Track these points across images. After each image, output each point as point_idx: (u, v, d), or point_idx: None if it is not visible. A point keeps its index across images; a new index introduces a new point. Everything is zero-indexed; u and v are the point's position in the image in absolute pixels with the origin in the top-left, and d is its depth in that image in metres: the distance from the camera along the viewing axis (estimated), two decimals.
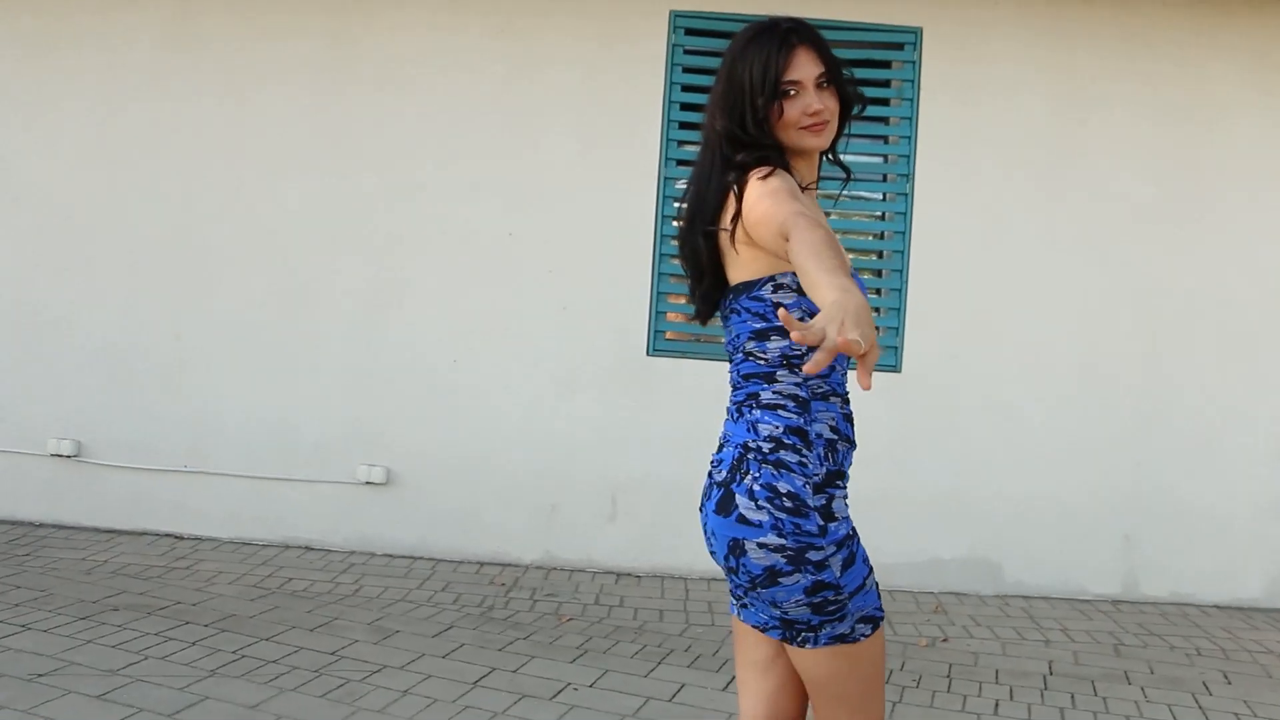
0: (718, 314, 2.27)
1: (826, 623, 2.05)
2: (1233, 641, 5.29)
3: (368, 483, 5.92)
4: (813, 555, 2.02)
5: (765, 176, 2.04)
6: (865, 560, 2.10)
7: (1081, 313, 5.91)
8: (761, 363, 2.12)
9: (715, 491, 2.12)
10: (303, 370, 5.94)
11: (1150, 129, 5.92)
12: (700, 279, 2.21)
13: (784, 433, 2.08)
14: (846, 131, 2.24)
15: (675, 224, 2.30)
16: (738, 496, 2.07)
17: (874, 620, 2.10)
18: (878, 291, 6.02)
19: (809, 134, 2.14)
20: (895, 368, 5.90)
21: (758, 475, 2.05)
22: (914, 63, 5.91)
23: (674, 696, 4.17)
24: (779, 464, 2.06)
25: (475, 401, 5.91)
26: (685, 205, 2.23)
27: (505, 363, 5.91)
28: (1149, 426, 5.92)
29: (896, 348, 5.91)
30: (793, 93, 2.10)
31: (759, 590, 2.05)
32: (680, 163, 5.96)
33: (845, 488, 2.15)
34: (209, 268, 5.96)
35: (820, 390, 2.13)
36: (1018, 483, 5.87)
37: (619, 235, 5.90)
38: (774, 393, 2.11)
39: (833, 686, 2.11)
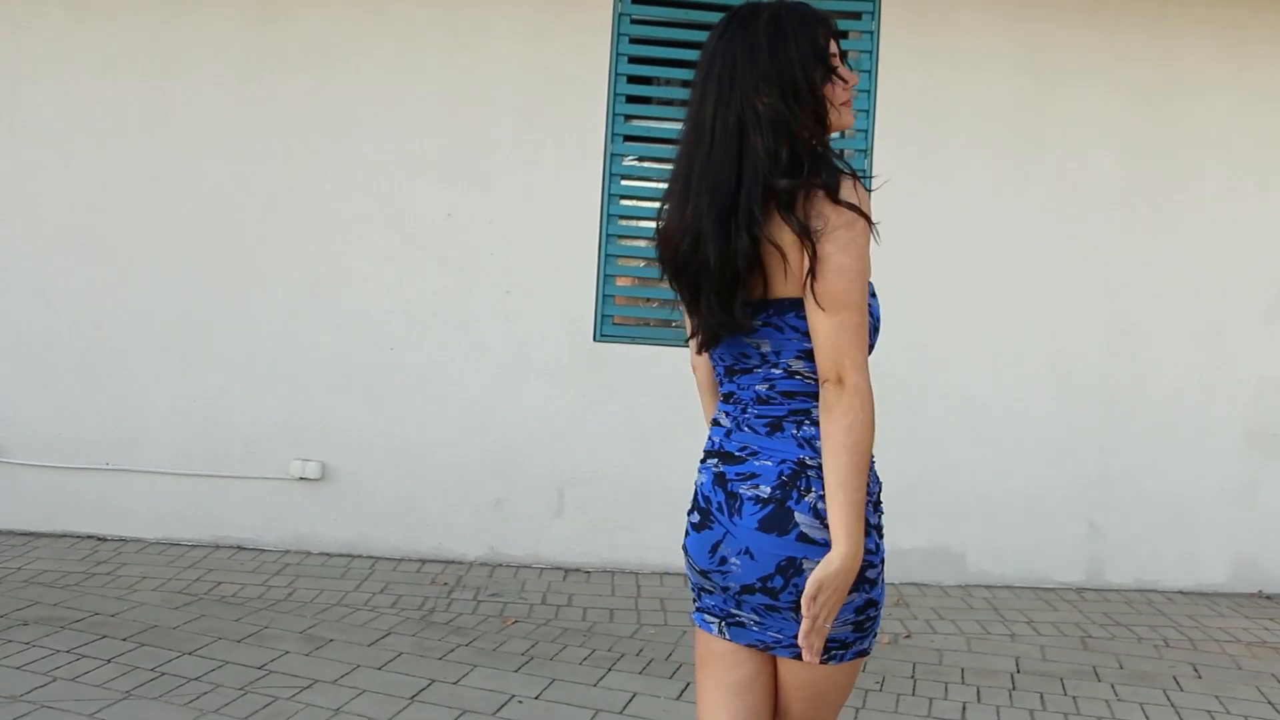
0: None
1: (861, 639, 2.00)
2: (1200, 630, 5.13)
3: (302, 478, 5.62)
4: (870, 574, 1.96)
5: (858, 222, 1.89)
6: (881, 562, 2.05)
7: (1048, 296, 5.71)
8: (810, 381, 1.98)
9: (757, 508, 1.95)
10: (232, 360, 5.62)
11: (1121, 104, 5.71)
12: (735, 285, 1.95)
13: None
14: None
15: (670, 211, 2.05)
16: (797, 514, 1.93)
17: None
18: None
19: (847, 110, 2.04)
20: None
21: (820, 492, 1.92)
22: (872, 33, 5.66)
23: (625, 708, 3.93)
24: None
25: (415, 391, 5.63)
26: (701, 195, 1.97)
27: (446, 349, 5.63)
28: (1115, 412, 5.74)
29: None
30: (838, 66, 2.00)
31: (797, 611, 1.93)
32: (628, 138, 5.69)
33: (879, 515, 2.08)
34: (130, 252, 5.62)
35: None
36: (980, 470, 5.67)
37: (564, 215, 5.62)
38: None
39: (835, 696, 2.08)
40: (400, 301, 5.62)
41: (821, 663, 1.95)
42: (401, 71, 5.62)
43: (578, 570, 5.66)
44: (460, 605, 5.00)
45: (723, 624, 2.06)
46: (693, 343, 2.10)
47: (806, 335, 1.94)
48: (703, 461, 2.09)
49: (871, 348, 1.97)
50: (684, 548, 2.09)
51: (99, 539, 5.62)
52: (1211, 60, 5.71)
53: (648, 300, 5.82)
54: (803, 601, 1.84)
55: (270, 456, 5.64)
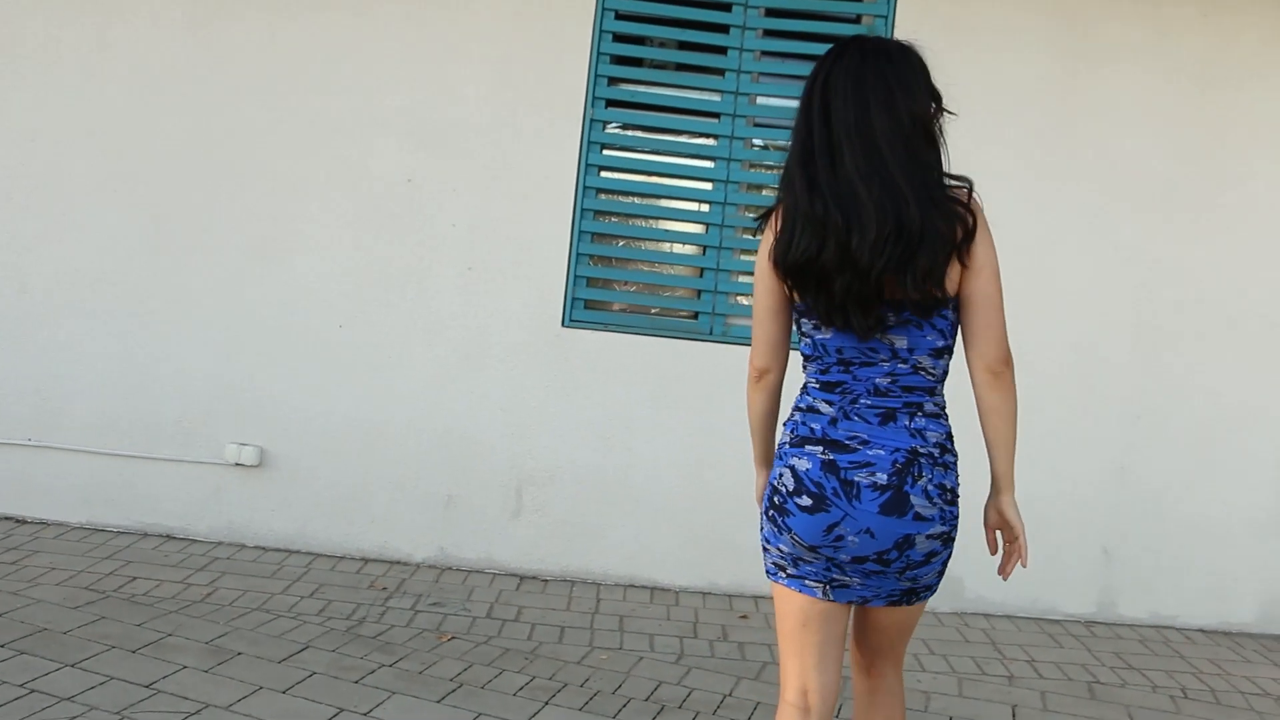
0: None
1: (939, 580, 2.34)
2: (1222, 679, 4.58)
3: (238, 464, 5.12)
4: (955, 535, 2.30)
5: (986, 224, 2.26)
6: None
7: (1073, 298, 5.14)
8: (930, 377, 2.28)
9: (876, 494, 2.21)
10: (167, 331, 5.11)
11: (1165, 88, 5.12)
12: (881, 288, 2.20)
13: (945, 438, 2.31)
14: None
15: (807, 220, 2.21)
16: (913, 497, 2.22)
17: None
18: None
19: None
20: None
21: (931, 476, 2.23)
22: (888, 1, 5.08)
23: None
24: (945, 465, 2.27)
25: (364, 373, 5.11)
26: (867, 203, 2.17)
27: (400, 329, 5.10)
28: (1139, 428, 5.17)
29: None
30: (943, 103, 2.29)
31: (908, 571, 2.27)
32: (611, 103, 5.13)
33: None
34: (58, 212, 5.10)
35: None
36: (984, 486, 5.09)
37: (536, 185, 5.08)
38: (934, 404, 2.30)
39: (913, 625, 2.47)
40: (352, 273, 5.10)
41: (915, 604, 2.37)
42: (364, 20, 5.07)
43: (533, 578, 5.14)
44: (394, 615, 4.49)
45: (826, 587, 2.32)
46: (772, 342, 2.40)
47: (943, 333, 2.26)
48: (800, 446, 2.27)
49: None
50: (787, 526, 2.27)
51: (17, 521, 5.14)
52: (1273, 41, 5.10)
53: (624, 284, 5.28)
54: (1009, 537, 2.39)
55: (205, 438, 5.14)
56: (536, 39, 5.06)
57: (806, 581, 2.33)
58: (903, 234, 2.13)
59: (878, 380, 2.26)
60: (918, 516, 2.22)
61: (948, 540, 2.29)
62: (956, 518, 2.30)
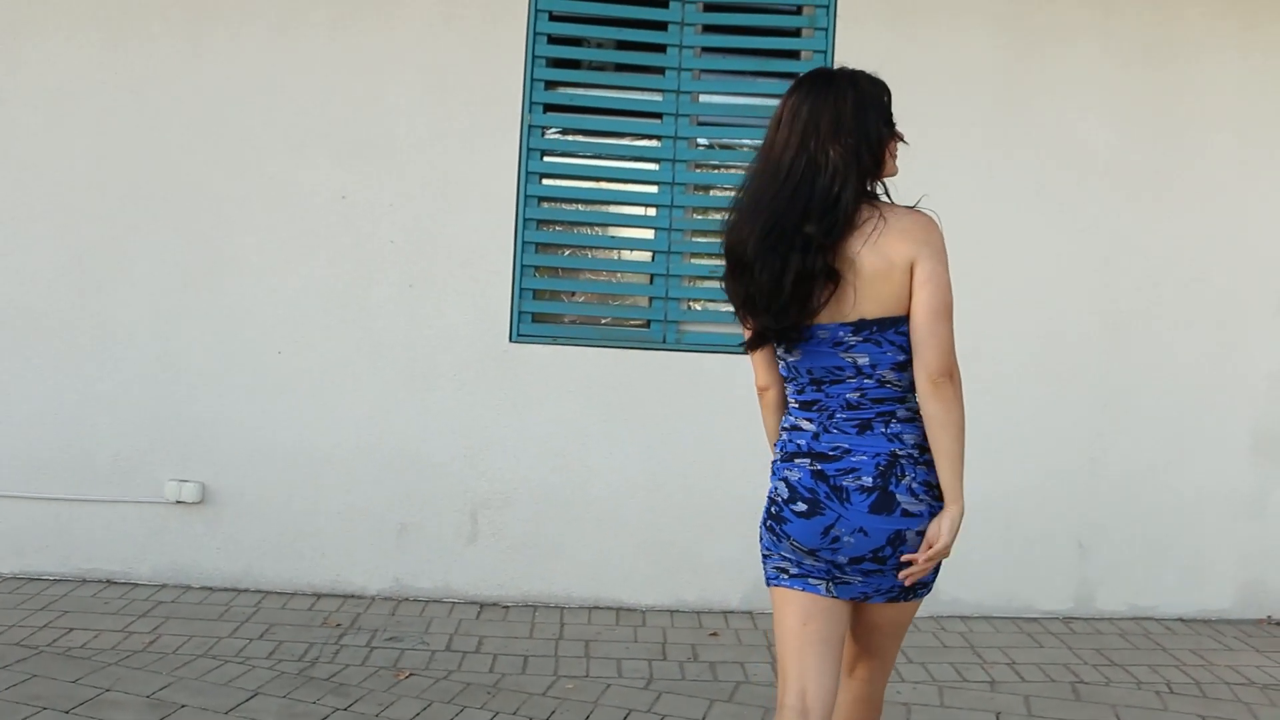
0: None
1: (934, 578, 2.43)
2: (1206, 670, 4.46)
3: (179, 501, 4.89)
4: None
5: (941, 239, 2.40)
6: None
7: (1033, 284, 5.01)
8: (897, 388, 2.38)
9: (863, 496, 2.33)
10: (96, 366, 4.87)
11: (1115, 66, 5.01)
12: (792, 299, 2.33)
13: (923, 438, 2.37)
14: None
15: (738, 225, 2.41)
16: (898, 495, 2.33)
17: None
18: None
19: (894, 161, 2.45)
20: None
21: (914, 474, 2.35)
22: None
23: None
24: (927, 464, 2.36)
25: (306, 400, 4.89)
26: (782, 204, 2.34)
27: (342, 352, 4.89)
28: (1107, 416, 5.06)
29: None
30: (897, 130, 2.43)
31: (897, 569, 2.36)
32: (549, 108, 4.94)
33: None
34: None
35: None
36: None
37: (475, 196, 4.89)
38: (906, 410, 2.39)
39: (907, 623, 2.54)
40: (288, 297, 4.88)
41: (911, 600, 2.45)
42: (288, 34, 4.87)
43: (494, 604, 4.94)
44: (349, 653, 4.28)
45: (829, 584, 2.41)
46: (764, 364, 2.53)
47: (900, 349, 2.35)
48: (789, 460, 2.42)
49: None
50: (786, 533, 2.39)
51: None
52: (1217, 15, 5.00)
53: (572, 294, 5.09)
54: (924, 548, 2.32)
55: (142, 477, 4.90)
56: (468, 44, 4.87)
57: (810, 579, 2.42)
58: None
59: (848, 395, 2.38)
60: (905, 513, 2.33)
61: None
62: (925, 520, 2.37)
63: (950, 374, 2.31)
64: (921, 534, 2.33)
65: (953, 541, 2.33)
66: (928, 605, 4.94)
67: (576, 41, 5.00)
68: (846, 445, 2.36)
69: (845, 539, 2.34)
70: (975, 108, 4.97)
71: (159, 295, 4.87)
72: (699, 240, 5.02)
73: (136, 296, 4.86)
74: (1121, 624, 5.02)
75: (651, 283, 5.00)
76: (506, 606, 4.93)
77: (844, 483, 2.33)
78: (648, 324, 5.00)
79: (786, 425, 2.47)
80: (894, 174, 2.45)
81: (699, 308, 5.04)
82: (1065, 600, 5.06)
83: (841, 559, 2.36)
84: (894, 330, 2.34)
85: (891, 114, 2.43)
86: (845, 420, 2.37)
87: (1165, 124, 5.04)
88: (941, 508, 2.34)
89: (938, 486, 2.35)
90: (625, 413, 4.92)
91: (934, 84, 4.92)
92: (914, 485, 2.34)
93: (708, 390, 4.92)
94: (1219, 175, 5.06)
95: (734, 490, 4.93)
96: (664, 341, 4.96)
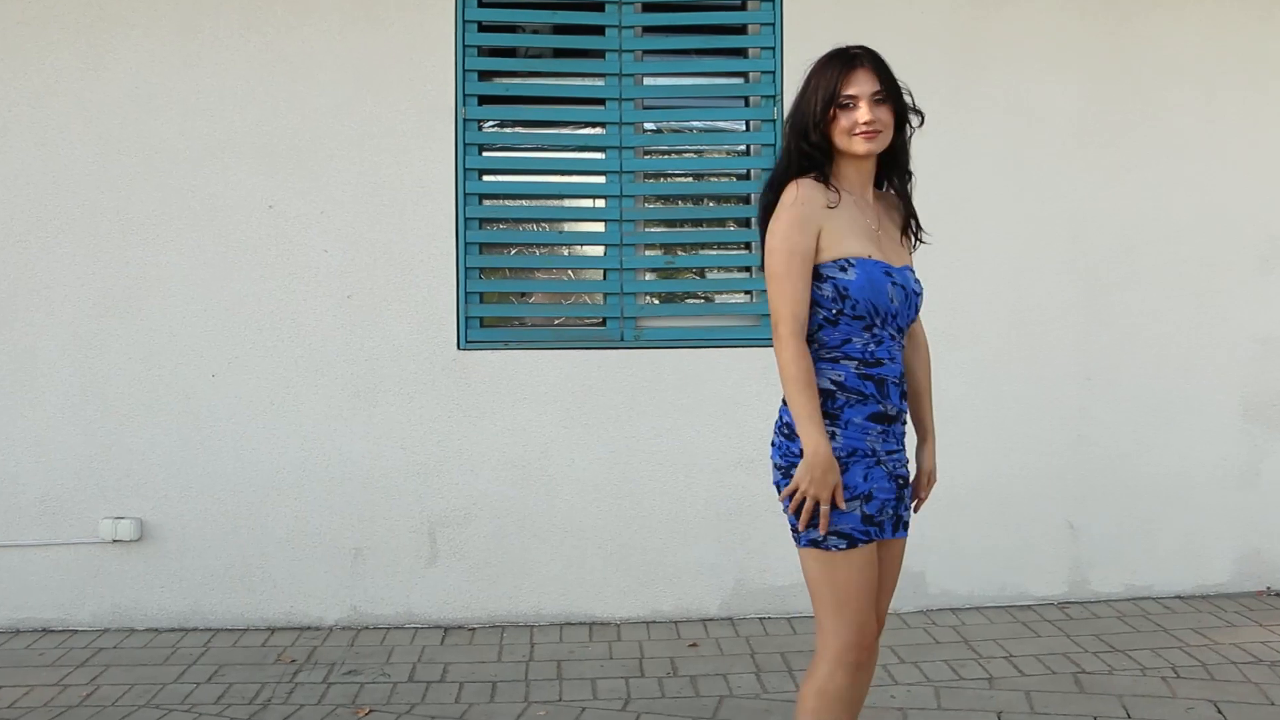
0: None
1: (805, 530, 2.47)
2: (1211, 650, 4.23)
3: (115, 540, 4.58)
4: (777, 466, 2.55)
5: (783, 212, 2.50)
6: (845, 480, 2.46)
7: (1002, 254, 4.78)
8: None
9: None
10: (15, 403, 4.56)
11: (1073, 21, 4.79)
12: None
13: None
14: (908, 139, 2.62)
15: None
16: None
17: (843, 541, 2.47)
18: (747, 247, 4.79)
19: (861, 140, 2.48)
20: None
21: (782, 408, 2.54)
22: None
23: None
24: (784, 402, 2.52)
25: (246, 424, 4.59)
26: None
27: (280, 372, 4.60)
28: (1090, 389, 4.83)
29: None
30: (849, 104, 2.47)
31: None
32: (483, 99, 4.66)
33: (839, 426, 2.48)
34: None
35: (829, 356, 2.52)
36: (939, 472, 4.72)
37: (411, 198, 4.60)
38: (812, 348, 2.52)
39: (813, 584, 2.53)
40: (218, 316, 4.58)
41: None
42: (197, 29, 4.56)
43: (459, 627, 4.66)
44: (305, 692, 3.99)
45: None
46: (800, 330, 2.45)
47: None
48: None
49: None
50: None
51: None
52: None
53: (522, 295, 4.81)
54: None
55: (74, 517, 4.59)
56: (393, 37, 4.58)
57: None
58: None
59: None
60: (773, 441, 2.58)
61: (786, 474, 2.49)
62: (794, 455, 2.46)
63: (776, 333, 2.45)
64: (774, 465, 2.52)
65: (805, 483, 2.40)
66: (915, 598, 4.74)
67: (509, 28, 4.72)
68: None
69: None
70: (931, 72, 4.72)
71: (78, 322, 4.56)
72: (652, 230, 4.75)
73: (54, 324, 4.55)
74: (1119, 605, 4.80)
75: (605, 278, 4.72)
76: (472, 629, 4.65)
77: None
78: (603, 322, 4.73)
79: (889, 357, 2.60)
80: (853, 151, 2.51)
81: (657, 301, 4.78)
82: (1059, 585, 4.84)
83: None
84: None
85: (838, 93, 2.47)
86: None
87: (1128, 81, 4.81)
88: (786, 445, 2.49)
89: (788, 425, 2.47)
90: (586, 417, 4.65)
91: (885, 49, 4.65)
92: (780, 416, 2.52)
93: (671, 388, 4.66)
94: (1185, 131, 4.85)
95: (706, 492, 4.67)
96: (622, 339, 4.69)
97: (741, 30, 4.75)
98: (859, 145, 2.48)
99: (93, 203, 4.54)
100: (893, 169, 2.64)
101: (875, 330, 2.51)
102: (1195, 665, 4.07)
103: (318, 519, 4.62)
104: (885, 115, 2.49)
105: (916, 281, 2.62)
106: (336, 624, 4.66)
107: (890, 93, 2.50)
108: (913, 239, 2.68)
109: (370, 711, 3.80)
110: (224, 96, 4.55)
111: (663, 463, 4.67)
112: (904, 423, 2.61)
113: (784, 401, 2.47)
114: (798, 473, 2.38)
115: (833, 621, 2.46)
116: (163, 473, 4.59)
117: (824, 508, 2.38)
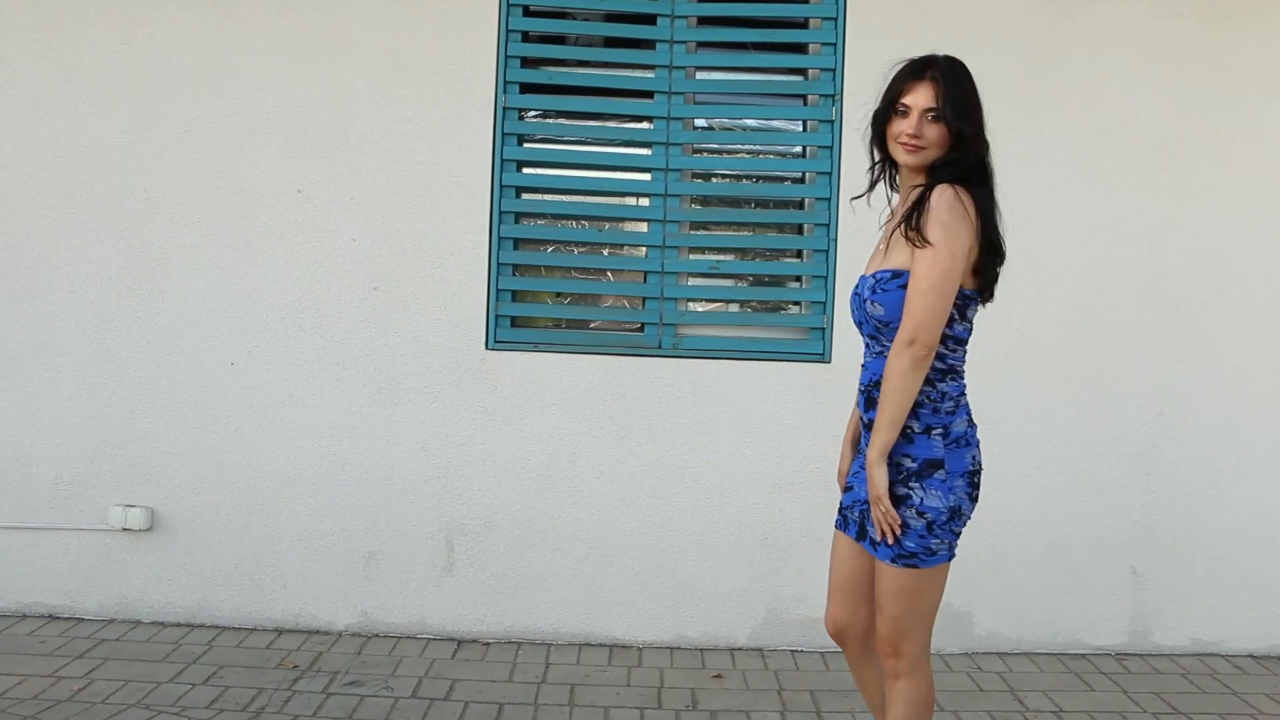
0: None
1: (912, 548, 2.55)
2: None
3: (125, 528, 4.42)
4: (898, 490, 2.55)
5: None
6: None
7: (1072, 276, 4.44)
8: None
9: None
10: (32, 382, 4.42)
11: (1161, 23, 4.43)
12: None
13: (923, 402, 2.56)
14: (974, 159, 2.57)
15: None
16: None
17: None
18: (799, 254, 4.51)
19: (902, 149, 2.54)
20: (822, 356, 4.42)
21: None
22: None
23: None
24: (905, 435, 2.55)
25: (263, 416, 4.41)
26: None
27: (301, 363, 4.41)
28: (1163, 425, 4.47)
29: (824, 329, 4.42)
30: (903, 112, 2.53)
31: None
32: (525, 87, 4.43)
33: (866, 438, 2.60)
34: None
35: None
36: (989, 505, 4.39)
37: (445, 188, 4.39)
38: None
39: (889, 588, 2.61)
40: (241, 302, 4.40)
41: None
42: (233, 6, 4.39)
43: (473, 641, 4.43)
44: (301, 701, 3.79)
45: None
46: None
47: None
48: (974, 428, 2.62)
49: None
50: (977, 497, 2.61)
51: None
52: None
53: (556, 296, 4.57)
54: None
55: (85, 502, 4.45)
56: (433, 20, 4.37)
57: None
58: None
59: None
60: None
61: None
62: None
63: (910, 343, 2.44)
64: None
65: (877, 491, 2.49)
66: (961, 639, 4.41)
67: (556, 14, 4.48)
68: None
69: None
70: (1002, 74, 4.40)
71: (99, 302, 4.41)
72: (697, 233, 4.49)
73: (73, 307, 4.41)
74: (1183, 661, 4.43)
75: (645, 281, 4.46)
76: (487, 644, 4.42)
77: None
78: (641, 327, 4.47)
79: (961, 391, 2.60)
80: (897, 159, 2.60)
81: (698, 309, 4.51)
82: (1118, 634, 4.48)
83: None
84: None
85: (895, 97, 2.57)
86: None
87: (1220, 91, 4.44)
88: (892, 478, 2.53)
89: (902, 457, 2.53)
90: (617, 427, 4.39)
91: (953, 49, 4.34)
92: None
93: (710, 401, 4.39)
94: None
95: (741, 513, 4.40)
96: (660, 347, 4.43)
97: (802, 24, 4.47)
98: (899, 153, 2.57)
99: (119, 180, 4.39)
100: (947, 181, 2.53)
101: (863, 340, 2.70)
102: None
103: (332, 519, 4.42)
104: (934, 133, 2.52)
105: (873, 280, 2.57)
106: (346, 629, 4.46)
107: (954, 113, 2.50)
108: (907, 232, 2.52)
109: None
110: (256, 76, 4.38)
111: (696, 480, 4.41)
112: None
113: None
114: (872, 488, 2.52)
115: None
116: (177, 461, 4.43)
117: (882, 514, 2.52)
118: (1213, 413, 4.47)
